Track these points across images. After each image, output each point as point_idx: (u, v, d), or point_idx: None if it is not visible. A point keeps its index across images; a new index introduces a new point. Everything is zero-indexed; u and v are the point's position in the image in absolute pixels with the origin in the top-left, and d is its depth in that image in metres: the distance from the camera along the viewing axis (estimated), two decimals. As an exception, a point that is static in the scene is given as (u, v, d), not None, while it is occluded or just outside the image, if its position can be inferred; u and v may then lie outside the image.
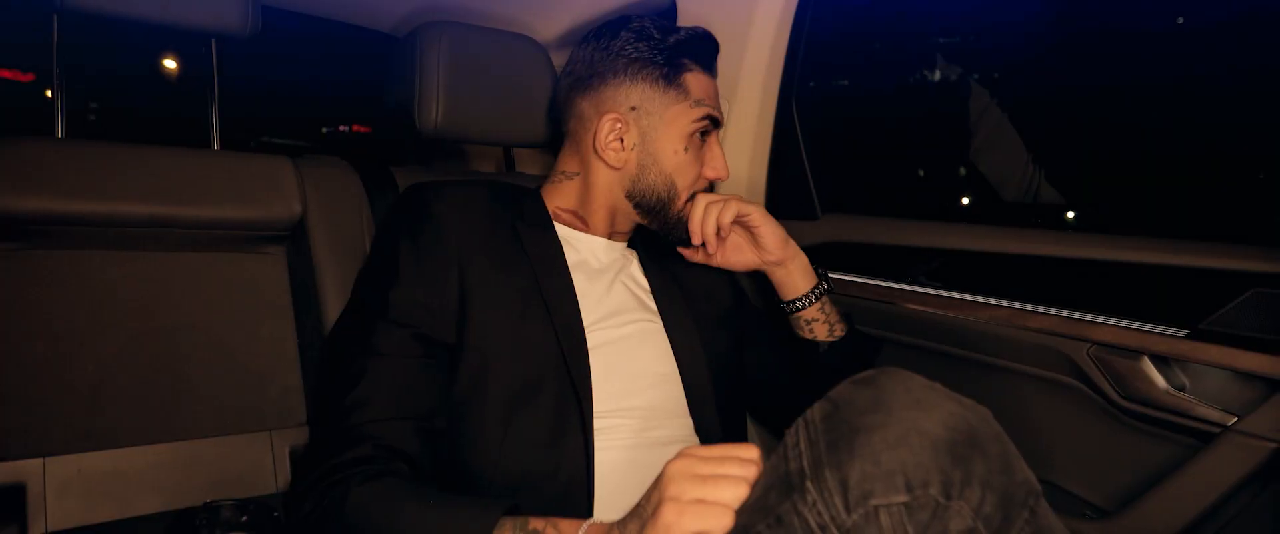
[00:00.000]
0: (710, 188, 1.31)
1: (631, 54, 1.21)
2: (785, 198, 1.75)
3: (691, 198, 1.25)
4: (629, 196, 1.25)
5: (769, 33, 1.62)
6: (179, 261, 1.34)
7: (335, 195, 1.43)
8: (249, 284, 1.39)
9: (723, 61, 1.68)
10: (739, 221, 1.27)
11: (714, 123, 1.25)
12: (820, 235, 1.67)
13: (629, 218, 1.28)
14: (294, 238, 1.42)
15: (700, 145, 1.25)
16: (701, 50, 1.25)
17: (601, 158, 1.23)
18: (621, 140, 1.22)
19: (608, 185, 1.25)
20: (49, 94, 1.39)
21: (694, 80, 1.23)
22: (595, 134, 1.22)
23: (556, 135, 1.39)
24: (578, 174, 1.27)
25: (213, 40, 1.50)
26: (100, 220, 1.25)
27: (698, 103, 1.22)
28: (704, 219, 1.23)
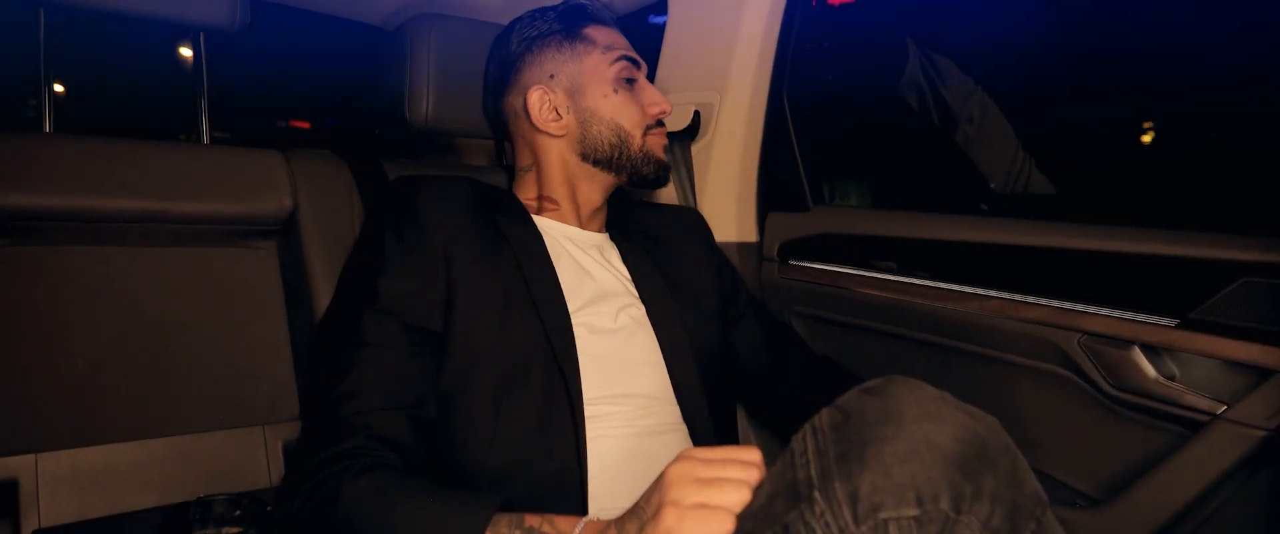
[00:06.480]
0: (660, 123, 1.34)
1: (531, 35, 1.30)
2: (777, 190, 1.75)
3: (649, 130, 1.30)
4: (584, 158, 1.29)
5: (759, 25, 1.61)
6: (170, 257, 1.34)
7: (326, 190, 1.42)
8: (240, 279, 1.39)
9: (713, 55, 1.67)
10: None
11: (634, 63, 1.30)
12: (811, 228, 1.67)
13: (595, 186, 1.31)
14: (285, 232, 1.42)
15: (630, 88, 1.29)
16: (591, 9, 1.33)
17: (545, 132, 1.28)
18: (556, 110, 1.27)
19: (561, 155, 1.29)
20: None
21: (595, 32, 1.30)
22: (530, 114, 1.28)
23: (501, 150, 1.42)
24: (531, 164, 1.31)
25: (201, 33, 1.49)
26: (90, 216, 1.25)
27: (608, 49, 1.28)
28: None
